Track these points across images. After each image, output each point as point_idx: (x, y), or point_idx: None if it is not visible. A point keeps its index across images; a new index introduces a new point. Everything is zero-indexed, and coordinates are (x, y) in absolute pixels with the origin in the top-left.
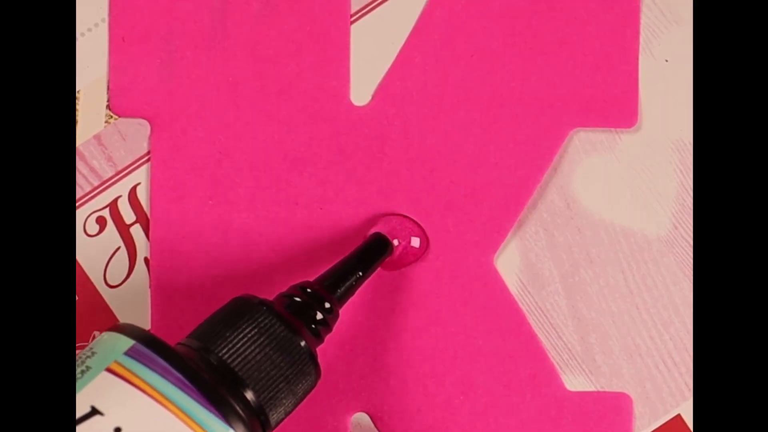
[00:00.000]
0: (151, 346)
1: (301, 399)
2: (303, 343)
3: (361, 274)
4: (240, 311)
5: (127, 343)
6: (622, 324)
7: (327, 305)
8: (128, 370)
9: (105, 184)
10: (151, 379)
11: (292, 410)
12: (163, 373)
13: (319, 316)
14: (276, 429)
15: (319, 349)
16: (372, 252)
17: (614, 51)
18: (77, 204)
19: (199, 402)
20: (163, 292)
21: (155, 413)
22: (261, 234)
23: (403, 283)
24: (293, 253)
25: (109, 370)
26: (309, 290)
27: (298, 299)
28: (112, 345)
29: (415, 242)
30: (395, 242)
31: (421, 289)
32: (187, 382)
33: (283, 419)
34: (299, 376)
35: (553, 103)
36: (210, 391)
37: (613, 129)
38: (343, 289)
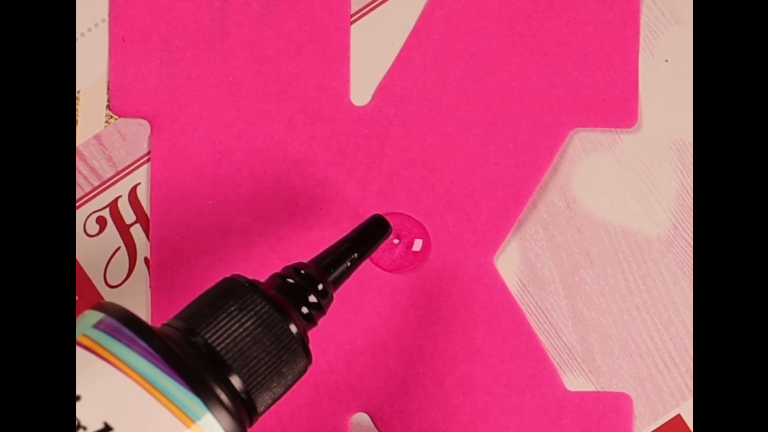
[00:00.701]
0: (120, 319)
1: (291, 383)
2: (291, 325)
3: (356, 255)
4: (227, 292)
5: (97, 316)
6: (622, 324)
7: (320, 287)
8: (94, 342)
9: (105, 184)
10: (115, 348)
11: (282, 394)
12: (129, 344)
13: (312, 298)
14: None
15: (320, 349)
16: (370, 233)
17: (614, 51)
18: (77, 204)
19: (162, 370)
20: (163, 292)
21: (117, 381)
22: (261, 234)
23: (403, 283)
24: (293, 253)
25: (77, 343)
26: (303, 271)
27: (290, 280)
28: (84, 321)
29: (418, 245)
30: (396, 242)
31: (421, 289)
32: (152, 352)
33: (271, 403)
34: (286, 358)
35: (553, 103)
36: (173, 358)
37: (613, 129)
38: (338, 271)
